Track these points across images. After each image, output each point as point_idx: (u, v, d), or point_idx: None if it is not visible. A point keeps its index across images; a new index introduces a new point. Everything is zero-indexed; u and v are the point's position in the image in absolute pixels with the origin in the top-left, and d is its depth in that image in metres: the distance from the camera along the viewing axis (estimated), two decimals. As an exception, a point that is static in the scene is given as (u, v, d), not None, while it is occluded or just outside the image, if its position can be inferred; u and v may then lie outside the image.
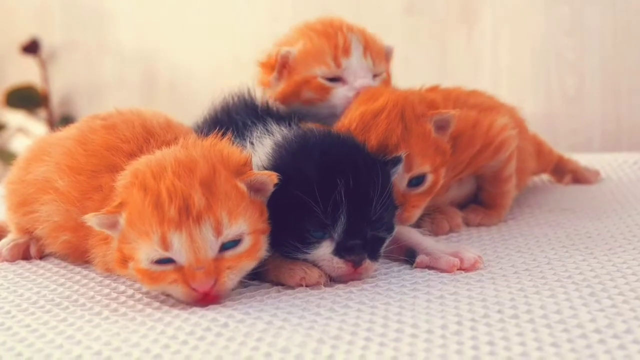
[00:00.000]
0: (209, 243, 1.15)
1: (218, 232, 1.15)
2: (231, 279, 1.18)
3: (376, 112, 1.51)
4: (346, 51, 1.66)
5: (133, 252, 1.17)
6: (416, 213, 1.52)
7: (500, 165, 1.69)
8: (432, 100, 1.64)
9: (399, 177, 1.49)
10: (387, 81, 1.75)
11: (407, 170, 1.50)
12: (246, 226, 1.19)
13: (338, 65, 1.66)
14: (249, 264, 1.22)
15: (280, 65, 1.67)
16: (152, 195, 1.15)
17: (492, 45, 2.77)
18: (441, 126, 1.54)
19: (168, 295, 1.24)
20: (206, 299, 1.18)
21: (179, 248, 1.14)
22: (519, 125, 1.87)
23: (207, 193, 1.16)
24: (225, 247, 1.17)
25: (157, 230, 1.14)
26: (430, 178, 1.52)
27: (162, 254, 1.14)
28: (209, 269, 1.15)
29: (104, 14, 3.62)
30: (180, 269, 1.15)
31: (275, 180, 1.23)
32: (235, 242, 1.18)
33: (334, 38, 1.68)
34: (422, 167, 1.51)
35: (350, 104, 1.60)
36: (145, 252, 1.15)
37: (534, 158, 1.93)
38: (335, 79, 1.66)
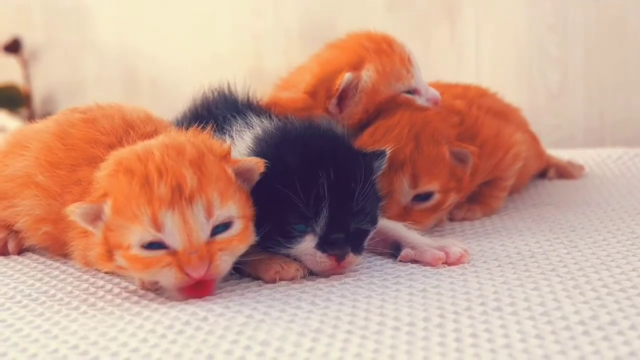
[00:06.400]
0: (201, 225, 1.12)
1: (209, 213, 1.13)
2: (224, 260, 1.16)
3: (387, 128, 1.54)
4: (410, 62, 1.65)
5: (122, 239, 1.14)
6: (419, 229, 1.50)
7: (508, 173, 1.73)
8: (460, 112, 1.69)
9: (404, 192, 1.53)
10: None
11: (412, 187, 1.53)
12: (235, 209, 1.17)
13: (412, 77, 1.65)
14: (240, 247, 1.19)
15: (344, 91, 1.60)
16: (140, 176, 1.12)
17: (475, 40, 2.77)
18: (459, 158, 1.56)
19: (149, 289, 1.23)
20: (199, 290, 1.16)
21: (172, 229, 1.11)
22: (524, 126, 1.89)
23: (198, 172, 1.14)
24: (216, 231, 1.15)
25: (147, 210, 1.10)
26: (437, 196, 1.54)
27: (154, 235, 1.11)
28: (201, 252, 1.12)
29: (85, 12, 3.60)
30: (173, 253, 1.12)
31: (262, 168, 1.21)
32: (225, 226, 1.16)
33: (394, 53, 1.65)
34: (429, 185, 1.53)
35: None
36: (137, 234, 1.12)
37: (535, 160, 1.94)
38: (410, 91, 1.65)
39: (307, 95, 1.63)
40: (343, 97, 1.60)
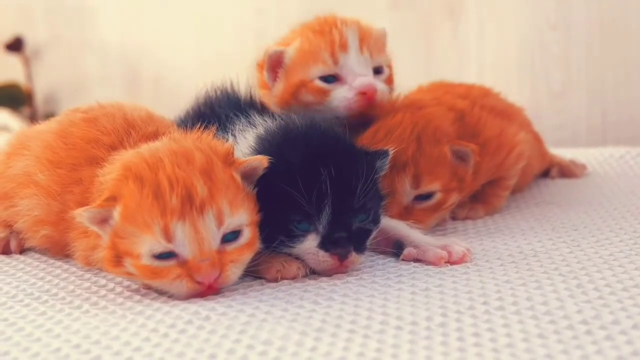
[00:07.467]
0: (212, 234, 1.13)
1: (220, 222, 1.13)
2: (234, 272, 1.17)
3: (389, 129, 1.54)
4: (343, 46, 1.58)
5: (132, 248, 1.14)
6: (421, 228, 1.48)
7: (511, 173, 1.72)
8: (462, 110, 1.69)
9: (406, 193, 1.52)
10: (390, 78, 1.67)
11: (414, 187, 1.52)
12: (245, 217, 1.18)
13: (335, 62, 1.57)
14: (249, 256, 1.20)
15: (270, 65, 1.60)
16: (151, 186, 1.12)
17: (478, 40, 2.76)
18: (461, 157, 1.55)
19: (150, 289, 1.23)
20: (207, 292, 1.16)
21: (183, 239, 1.11)
22: (527, 126, 1.89)
23: (208, 182, 1.14)
24: (226, 239, 1.15)
25: (159, 221, 1.11)
26: (438, 196, 1.54)
27: (165, 246, 1.11)
28: (213, 260, 1.13)
29: (87, 11, 3.60)
30: (183, 263, 1.13)
31: (266, 164, 1.22)
32: (235, 234, 1.16)
33: (329, 34, 1.60)
34: (431, 185, 1.53)
35: (352, 105, 1.56)
36: (148, 245, 1.12)
37: (538, 160, 1.94)
38: (333, 79, 1.58)
39: (257, 67, 1.66)
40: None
